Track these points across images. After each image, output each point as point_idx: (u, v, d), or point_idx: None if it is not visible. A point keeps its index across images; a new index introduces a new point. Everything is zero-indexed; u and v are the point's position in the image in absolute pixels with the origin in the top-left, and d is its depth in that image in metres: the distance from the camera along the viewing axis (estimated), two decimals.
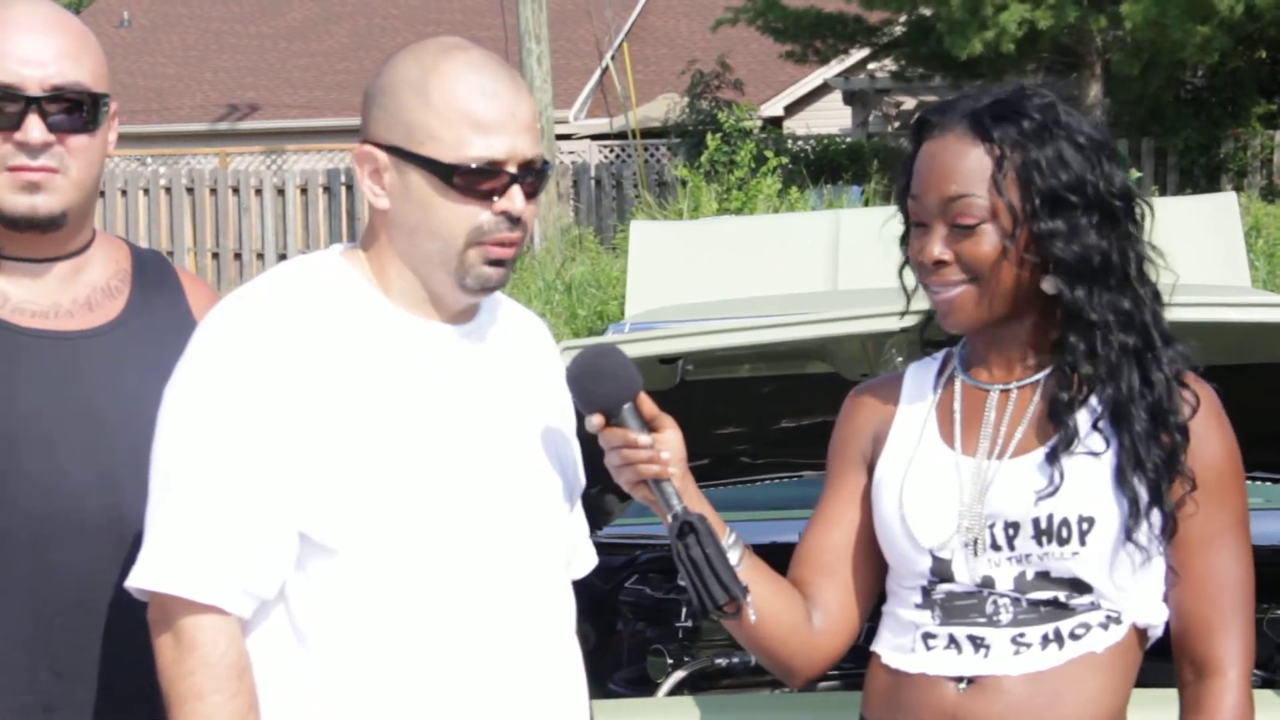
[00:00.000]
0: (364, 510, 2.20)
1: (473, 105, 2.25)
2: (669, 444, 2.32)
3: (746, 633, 2.42)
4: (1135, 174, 17.16)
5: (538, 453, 2.37)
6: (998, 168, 2.35)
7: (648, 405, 2.32)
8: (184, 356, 2.25)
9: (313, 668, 2.22)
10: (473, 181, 2.25)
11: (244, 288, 2.31)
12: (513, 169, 2.26)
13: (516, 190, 2.27)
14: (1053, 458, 2.35)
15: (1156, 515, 2.35)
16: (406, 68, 2.28)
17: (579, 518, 2.52)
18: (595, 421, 2.31)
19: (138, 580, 2.21)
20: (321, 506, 2.19)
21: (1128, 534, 2.34)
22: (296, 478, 2.19)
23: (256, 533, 2.19)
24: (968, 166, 2.36)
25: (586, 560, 2.56)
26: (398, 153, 2.27)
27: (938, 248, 2.37)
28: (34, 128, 2.42)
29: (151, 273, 2.61)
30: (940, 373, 2.52)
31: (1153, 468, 2.33)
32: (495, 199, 2.26)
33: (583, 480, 2.47)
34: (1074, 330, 2.37)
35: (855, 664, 2.80)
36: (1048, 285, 2.37)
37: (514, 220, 2.27)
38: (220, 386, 2.20)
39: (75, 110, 2.44)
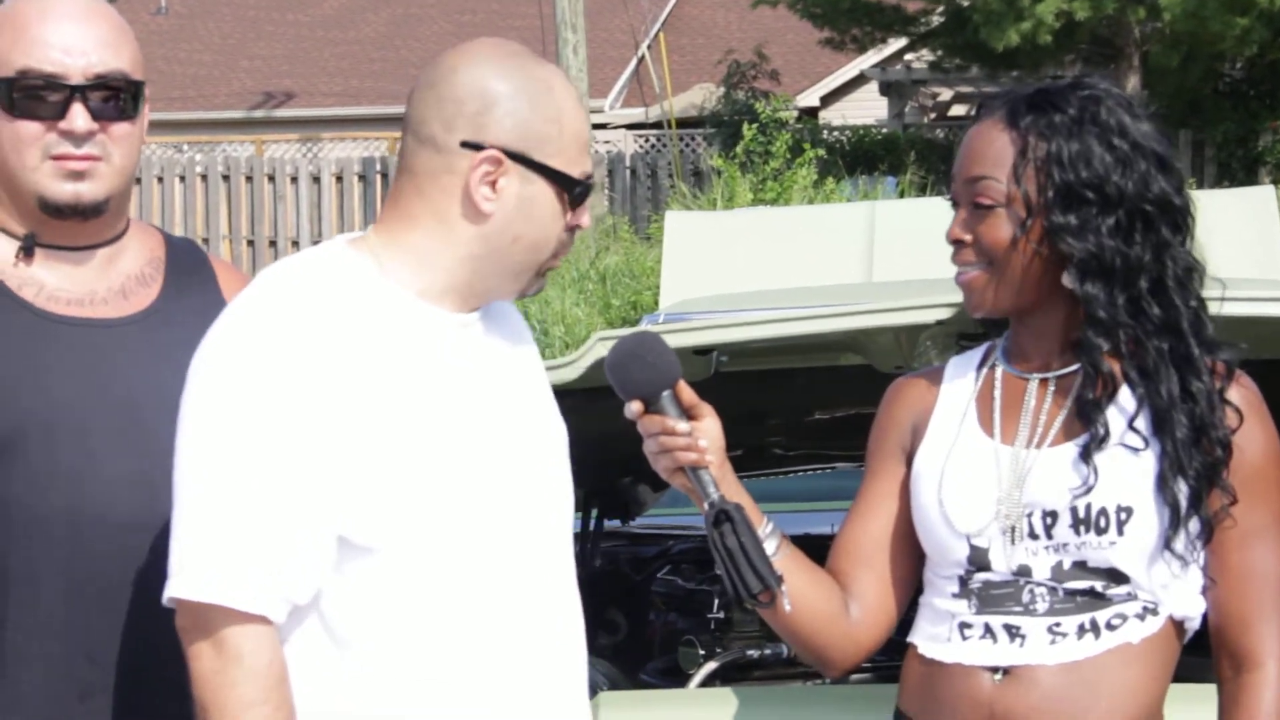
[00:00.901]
0: (403, 506, 2.16)
1: (581, 121, 2.25)
2: (707, 432, 2.33)
3: (782, 622, 2.43)
4: None
5: (549, 441, 2.35)
6: (1021, 156, 2.36)
7: (687, 393, 2.32)
8: (203, 355, 2.18)
9: (345, 667, 2.18)
10: (580, 197, 2.25)
11: (257, 284, 2.22)
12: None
13: (587, 205, 2.29)
14: (1090, 449, 2.34)
15: (1195, 523, 2.34)
16: (520, 72, 2.21)
17: None
18: (634, 408, 2.31)
19: (177, 591, 2.12)
20: (361, 505, 2.14)
21: (1166, 542, 2.33)
22: (335, 477, 2.12)
23: (298, 538, 2.12)
24: (993, 151, 2.38)
25: None
26: (527, 162, 2.21)
27: (958, 227, 2.41)
28: (79, 116, 2.42)
29: (185, 261, 2.61)
30: (982, 363, 2.52)
31: (1194, 474, 2.33)
32: (576, 214, 2.26)
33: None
34: (1092, 327, 2.36)
35: (889, 657, 2.80)
36: (1066, 279, 2.37)
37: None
38: (249, 385, 2.12)
39: (116, 98, 2.45)
